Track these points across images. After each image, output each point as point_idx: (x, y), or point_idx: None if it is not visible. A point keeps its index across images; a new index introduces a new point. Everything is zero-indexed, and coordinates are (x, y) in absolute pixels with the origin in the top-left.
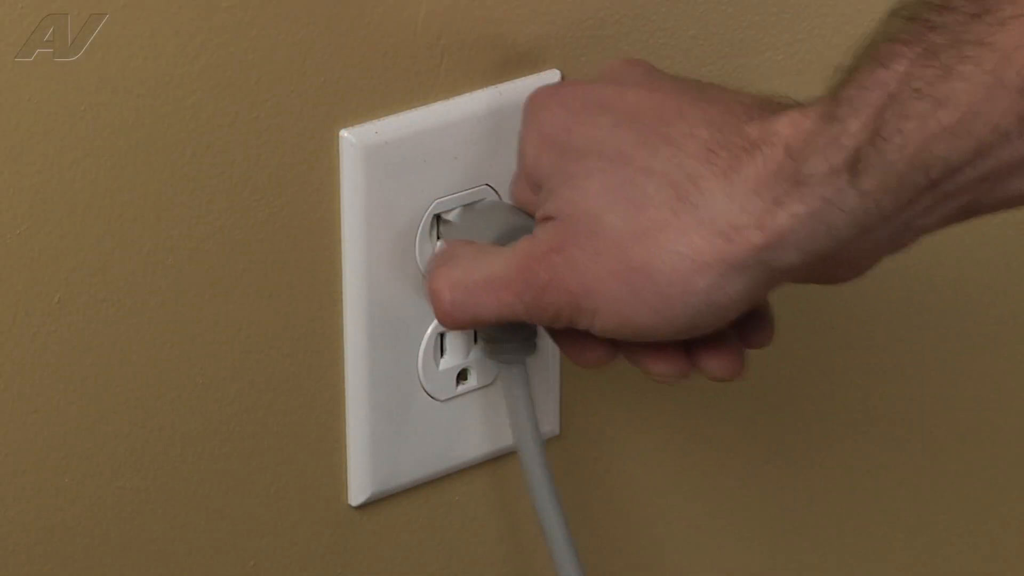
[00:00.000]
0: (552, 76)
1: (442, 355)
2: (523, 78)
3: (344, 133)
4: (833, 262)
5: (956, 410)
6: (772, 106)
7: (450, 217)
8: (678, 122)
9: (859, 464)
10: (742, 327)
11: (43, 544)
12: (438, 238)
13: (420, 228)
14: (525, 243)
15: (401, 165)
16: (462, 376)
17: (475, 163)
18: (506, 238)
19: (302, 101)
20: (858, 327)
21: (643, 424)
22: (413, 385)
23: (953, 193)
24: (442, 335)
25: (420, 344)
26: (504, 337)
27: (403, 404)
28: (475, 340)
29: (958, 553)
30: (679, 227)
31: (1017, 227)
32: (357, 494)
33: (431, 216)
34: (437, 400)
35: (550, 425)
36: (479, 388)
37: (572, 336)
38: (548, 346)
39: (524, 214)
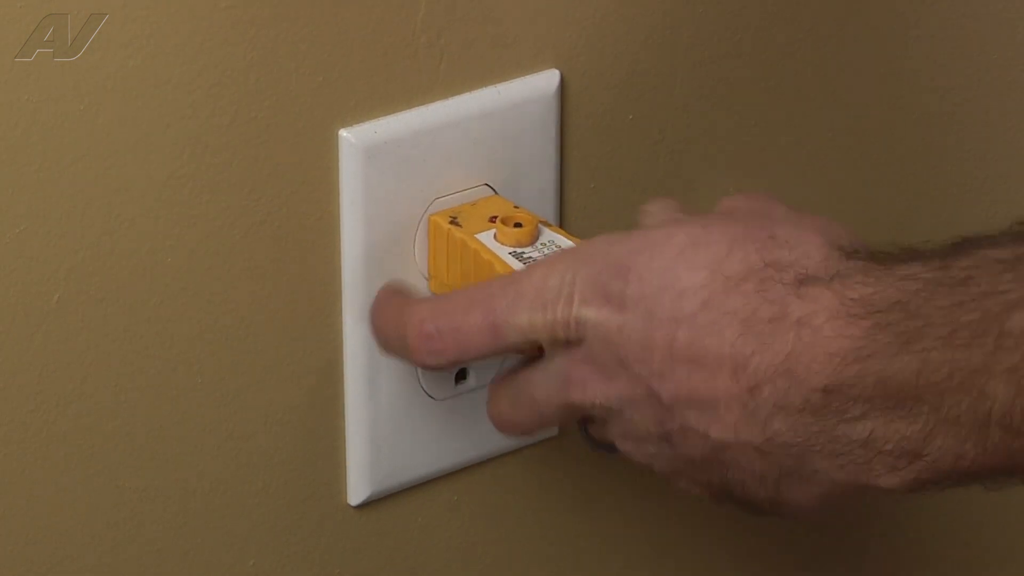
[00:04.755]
0: (552, 76)
1: None
2: (523, 78)
3: (344, 133)
4: None
5: None
6: None
7: None
8: None
9: None
10: None
11: (43, 544)
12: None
13: (419, 227)
14: None
15: (401, 165)
16: (461, 376)
17: (474, 163)
18: None
19: (302, 101)
20: None
21: None
22: (412, 385)
23: None
24: None
25: None
26: None
27: (402, 404)
28: None
29: None
30: None
31: None
32: (356, 494)
33: (430, 215)
34: (436, 400)
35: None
36: (478, 388)
37: None
38: None
39: None
